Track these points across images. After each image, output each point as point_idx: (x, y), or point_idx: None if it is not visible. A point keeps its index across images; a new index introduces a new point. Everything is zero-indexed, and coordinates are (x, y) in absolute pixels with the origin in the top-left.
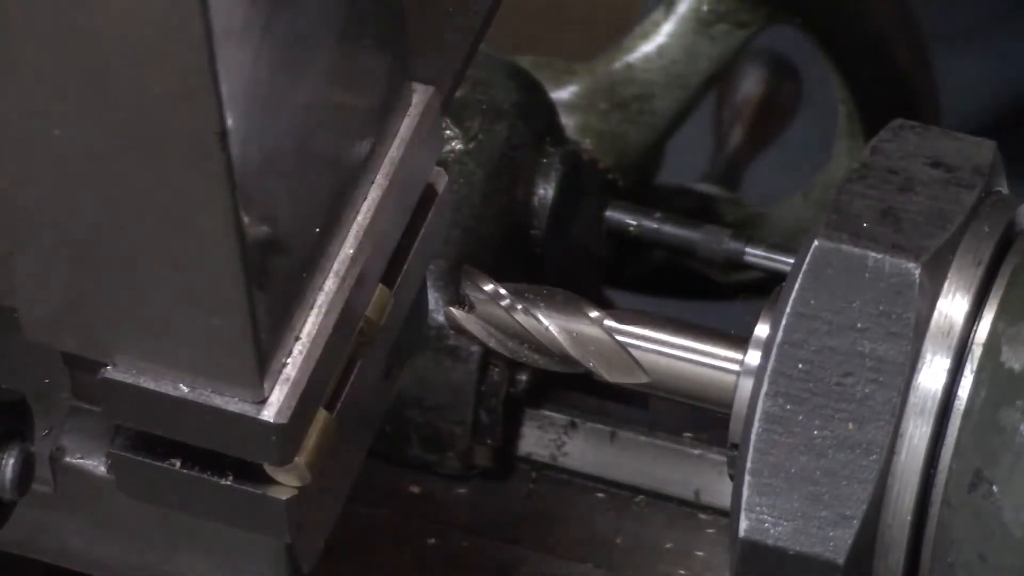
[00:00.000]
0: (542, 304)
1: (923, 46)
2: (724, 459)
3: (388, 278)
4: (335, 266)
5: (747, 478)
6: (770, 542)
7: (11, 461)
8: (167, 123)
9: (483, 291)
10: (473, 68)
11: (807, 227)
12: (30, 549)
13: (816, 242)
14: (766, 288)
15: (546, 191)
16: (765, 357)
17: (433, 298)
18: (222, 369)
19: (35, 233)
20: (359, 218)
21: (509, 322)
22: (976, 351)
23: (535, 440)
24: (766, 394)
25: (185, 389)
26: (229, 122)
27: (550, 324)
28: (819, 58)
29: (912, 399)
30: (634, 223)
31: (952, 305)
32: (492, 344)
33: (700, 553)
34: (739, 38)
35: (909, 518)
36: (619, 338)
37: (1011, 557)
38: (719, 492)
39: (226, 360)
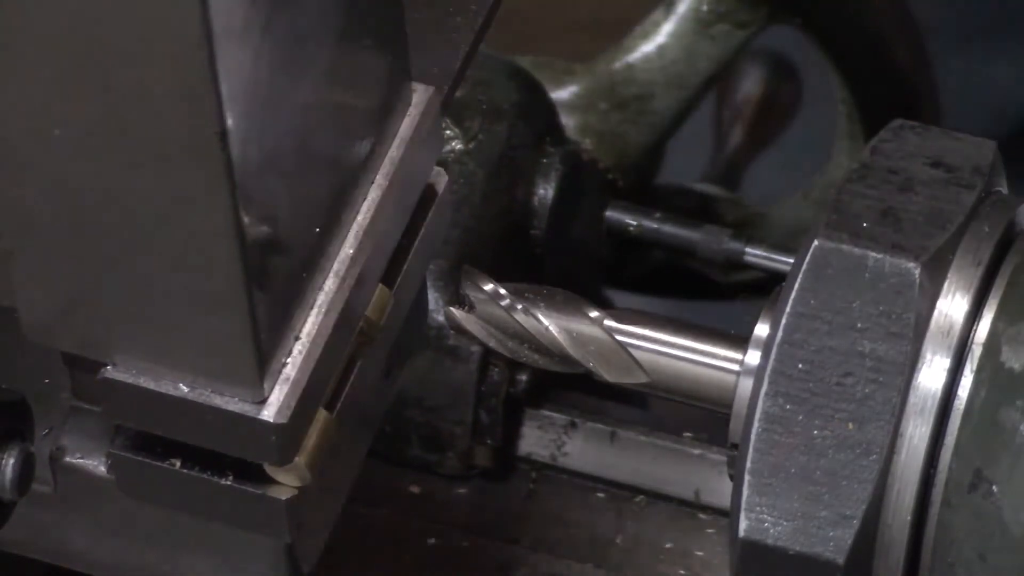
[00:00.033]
0: (542, 304)
1: (923, 46)
2: (724, 459)
3: (388, 278)
4: (335, 266)
5: (747, 478)
6: (770, 542)
7: (11, 461)
8: (167, 123)
9: (483, 291)
10: (473, 68)
11: (807, 227)
12: (30, 549)
13: (816, 242)
14: (766, 288)
15: (546, 191)
16: (765, 357)
17: (433, 298)
18: (222, 369)
19: (35, 233)
20: (359, 218)
21: (509, 322)
22: (976, 351)
23: (535, 440)
24: (766, 394)
25: (185, 389)
26: (229, 122)
27: (550, 324)
28: (819, 58)
29: (912, 399)
30: (634, 223)
31: (952, 305)
32: (492, 344)
33: (700, 553)
34: (739, 38)
35: (909, 518)
36: (619, 338)
37: (1011, 557)
38: (719, 492)
39: (226, 360)
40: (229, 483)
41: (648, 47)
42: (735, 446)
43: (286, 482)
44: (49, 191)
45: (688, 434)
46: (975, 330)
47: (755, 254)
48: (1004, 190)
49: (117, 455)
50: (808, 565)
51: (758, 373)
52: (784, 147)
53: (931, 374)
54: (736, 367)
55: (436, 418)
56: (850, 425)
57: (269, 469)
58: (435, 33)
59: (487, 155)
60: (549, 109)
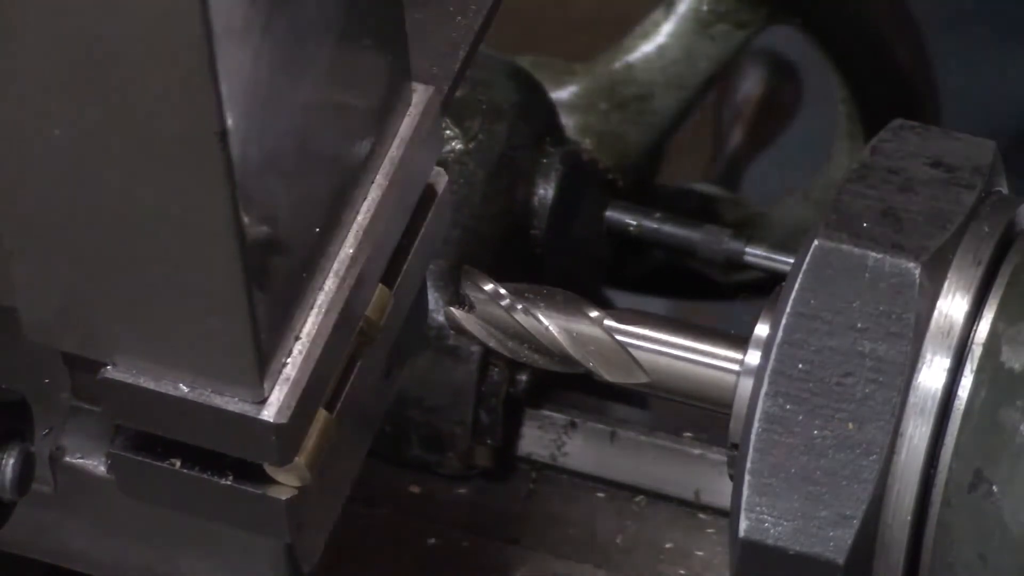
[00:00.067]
0: (542, 304)
1: (923, 46)
2: (724, 459)
3: (388, 278)
4: (335, 266)
5: (747, 478)
6: (770, 542)
7: (11, 461)
8: (167, 123)
9: (483, 291)
10: (473, 68)
11: (807, 227)
12: (30, 549)
13: (816, 242)
14: (766, 288)
15: (546, 191)
16: (765, 357)
17: (433, 298)
18: (222, 369)
19: (35, 233)
20: (359, 218)
21: (509, 322)
22: (976, 351)
23: (535, 440)
24: (766, 394)
25: (185, 389)
26: (229, 122)
27: (550, 324)
28: (819, 58)
29: (912, 399)
30: (634, 223)
31: (952, 305)
32: (492, 344)
33: (700, 553)
34: (739, 38)
35: (909, 518)
36: (619, 338)
37: (1011, 557)
38: (719, 492)
39: (226, 360)
40: (229, 483)
41: (648, 47)
42: (735, 446)
43: (286, 482)
44: (49, 191)
45: (688, 434)
46: (975, 330)
47: (755, 254)
48: (1004, 190)
49: (117, 455)
50: (808, 565)
51: (758, 373)
52: (784, 147)
53: (931, 374)
54: (736, 367)
55: (436, 418)
56: (850, 425)
57: (269, 469)
58: (435, 33)
59: (487, 155)
60: (549, 109)
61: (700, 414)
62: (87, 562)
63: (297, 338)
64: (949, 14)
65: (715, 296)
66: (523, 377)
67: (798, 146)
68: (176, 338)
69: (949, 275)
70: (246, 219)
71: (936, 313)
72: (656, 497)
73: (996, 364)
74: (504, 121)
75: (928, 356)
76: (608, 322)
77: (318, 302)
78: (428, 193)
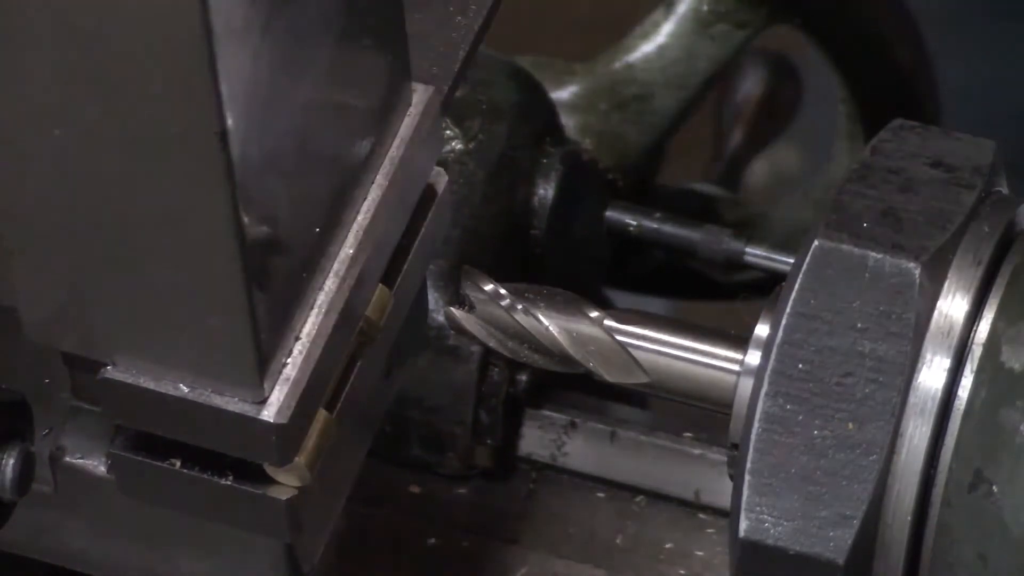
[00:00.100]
0: (542, 304)
1: (923, 46)
2: (724, 459)
3: (388, 278)
4: (335, 266)
5: (747, 478)
6: (770, 542)
7: (11, 461)
8: (167, 123)
9: (483, 291)
10: (473, 68)
11: (807, 227)
12: (30, 549)
13: (816, 242)
14: (766, 288)
15: (546, 191)
16: (765, 357)
17: (433, 298)
18: (222, 369)
19: (35, 233)
20: (359, 218)
21: (509, 322)
22: (976, 351)
23: (535, 440)
24: (766, 394)
25: (185, 389)
26: (229, 122)
27: (550, 324)
28: (819, 58)
29: (912, 399)
30: (634, 223)
31: (952, 305)
32: (492, 344)
33: (700, 553)
34: (739, 38)
35: (909, 518)
36: (619, 338)
37: (1011, 557)
38: (719, 492)
39: (226, 360)
40: (229, 483)
41: (648, 47)
42: (735, 446)
43: (286, 482)
44: (49, 191)
45: (688, 434)
46: (975, 330)
47: (755, 254)
48: (1004, 190)
49: (117, 455)
50: (808, 565)
51: (758, 373)
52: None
53: (931, 374)
54: (736, 367)
55: (436, 418)
56: (850, 425)
57: (269, 469)
58: (435, 33)
59: (487, 155)
60: (549, 109)
61: (700, 414)
62: (87, 562)
63: (297, 338)
64: (949, 13)
65: (715, 296)
66: (523, 377)
67: (798, 146)
68: (176, 338)
69: (949, 275)
70: (246, 219)
71: (936, 313)
72: (656, 497)
73: (996, 364)
74: (504, 121)
75: (928, 356)
76: (608, 322)
77: (318, 302)
78: (428, 193)
